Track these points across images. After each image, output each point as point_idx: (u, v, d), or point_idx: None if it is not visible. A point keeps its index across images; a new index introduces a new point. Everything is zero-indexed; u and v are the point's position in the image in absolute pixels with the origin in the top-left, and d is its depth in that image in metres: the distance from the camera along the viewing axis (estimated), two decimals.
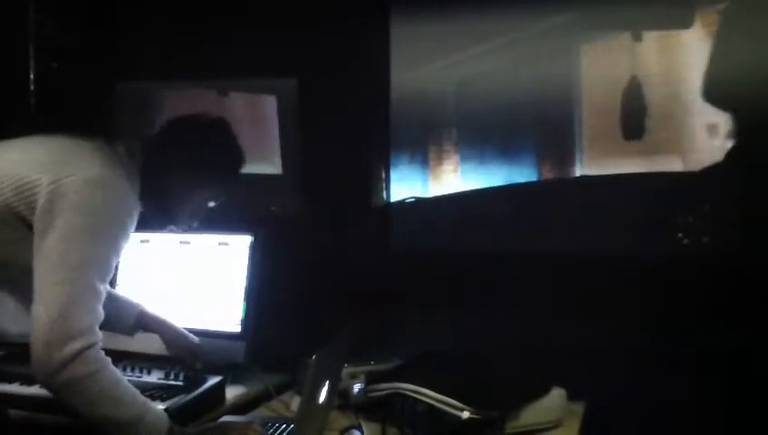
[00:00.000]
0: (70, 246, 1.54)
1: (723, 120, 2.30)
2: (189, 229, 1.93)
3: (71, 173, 1.59)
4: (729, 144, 2.30)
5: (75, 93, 2.73)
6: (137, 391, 1.60)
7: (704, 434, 2.23)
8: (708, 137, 2.32)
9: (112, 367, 1.56)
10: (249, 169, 2.70)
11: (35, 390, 1.80)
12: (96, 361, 1.52)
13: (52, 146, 1.71)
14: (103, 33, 2.77)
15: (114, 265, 1.64)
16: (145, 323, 2.12)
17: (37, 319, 1.50)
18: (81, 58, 2.77)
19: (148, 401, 1.64)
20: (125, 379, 1.59)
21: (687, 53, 2.33)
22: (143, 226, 1.75)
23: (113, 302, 2.11)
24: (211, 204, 1.89)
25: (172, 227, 1.89)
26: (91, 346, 1.51)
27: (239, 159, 1.90)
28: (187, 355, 2.09)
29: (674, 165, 2.36)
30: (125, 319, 2.10)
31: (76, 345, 1.49)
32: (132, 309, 2.12)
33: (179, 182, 1.80)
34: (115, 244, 1.62)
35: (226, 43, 2.65)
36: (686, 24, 2.32)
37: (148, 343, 2.21)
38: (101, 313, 1.58)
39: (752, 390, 2.20)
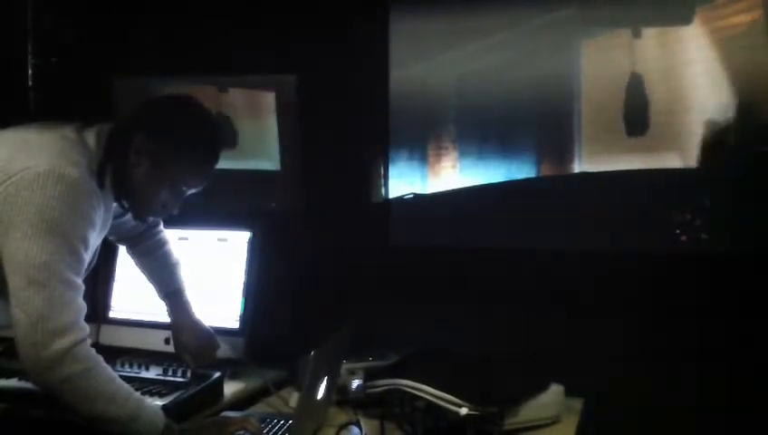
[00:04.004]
0: (33, 244, 1.50)
1: (721, 117, 2.29)
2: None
3: (23, 168, 1.54)
4: (728, 140, 2.30)
5: (74, 88, 2.72)
6: (131, 389, 1.59)
7: (701, 431, 2.23)
8: (706, 133, 2.32)
9: (104, 364, 1.55)
10: (248, 165, 2.73)
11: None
12: (87, 358, 1.51)
13: (14, 140, 1.65)
14: (102, 27, 2.77)
15: (84, 256, 1.59)
16: (171, 302, 2.12)
17: (18, 322, 1.49)
18: (79, 53, 2.76)
19: (143, 397, 1.63)
20: (118, 376, 1.58)
21: (687, 49, 2.33)
22: None
23: (158, 265, 2.13)
24: (190, 191, 1.77)
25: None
26: (79, 343, 1.50)
27: (210, 140, 1.77)
28: (185, 352, 2.09)
29: (673, 161, 2.35)
30: (157, 287, 2.12)
31: (64, 343, 1.47)
32: (168, 285, 2.12)
33: (145, 167, 1.70)
34: (80, 235, 1.57)
35: (226, 39, 2.65)
36: (685, 20, 2.32)
37: (146, 339, 2.22)
38: (82, 305, 1.55)
39: (750, 386, 2.20)
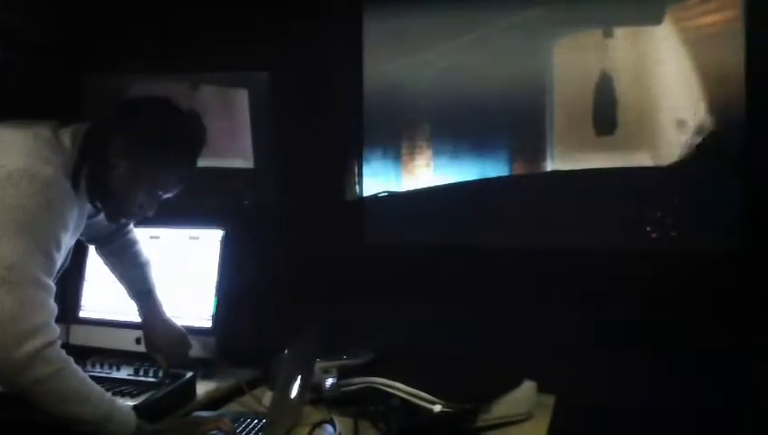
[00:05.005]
0: (4, 244, 1.47)
1: (691, 116, 2.33)
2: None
3: None
4: (697, 139, 2.33)
5: (43, 86, 2.68)
6: (103, 390, 1.58)
7: (672, 427, 2.26)
8: (677, 132, 2.35)
9: (75, 366, 1.53)
10: (221, 162, 2.71)
11: None
12: (57, 360, 1.49)
13: None
14: (72, 24, 2.73)
15: (57, 257, 1.57)
16: (141, 303, 2.10)
17: None
18: (48, 50, 2.72)
19: (114, 398, 1.62)
20: (89, 377, 1.56)
21: (658, 49, 2.36)
22: None
23: (129, 265, 2.11)
24: (167, 195, 1.77)
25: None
26: (49, 344, 1.47)
27: (190, 143, 1.76)
28: (156, 351, 2.07)
29: (643, 160, 2.38)
30: (127, 287, 2.11)
31: (35, 344, 1.45)
32: (139, 285, 2.11)
33: (123, 169, 1.68)
34: (53, 236, 1.54)
35: (198, 37, 2.63)
36: (656, 19, 2.34)
37: (117, 339, 2.19)
38: (53, 306, 1.53)
39: (717, 383, 2.23)
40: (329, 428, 1.79)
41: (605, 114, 2.40)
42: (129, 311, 2.16)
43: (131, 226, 2.12)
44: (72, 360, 1.53)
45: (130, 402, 1.78)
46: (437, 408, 1.74)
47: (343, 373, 2.01)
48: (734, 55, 2.26)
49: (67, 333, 2.27)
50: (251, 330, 2.37)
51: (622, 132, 2.40)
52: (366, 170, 2.65)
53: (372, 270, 2.52)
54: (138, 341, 2.17)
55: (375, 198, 2.63)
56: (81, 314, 2.35)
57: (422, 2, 2.56)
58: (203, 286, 2.26)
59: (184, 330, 2.12)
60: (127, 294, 2.13)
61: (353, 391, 1.93)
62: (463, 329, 2.37)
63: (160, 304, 2.11)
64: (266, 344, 2.12)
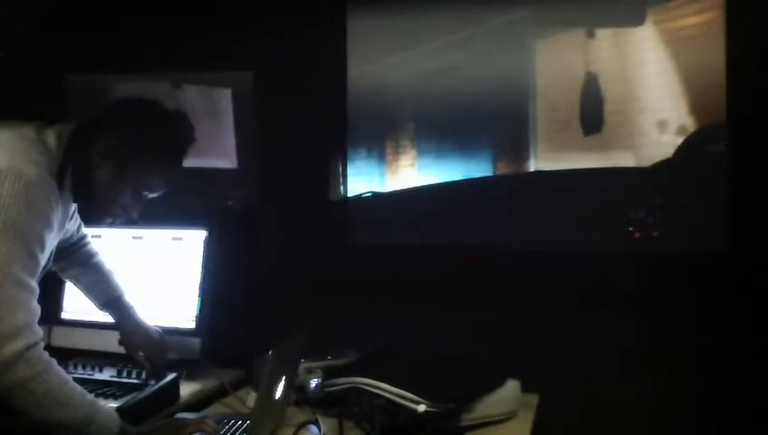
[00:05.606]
0: None
1: (673, 117, 2.34)
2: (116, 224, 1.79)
3: None
4: (679, 140, 2.35)
5: (24, 85, 2.66)
6: (85, 392, 1.57)
7: (652, 426, 2.27)
8: (659, 133, 2.37)
9: (58, 367, 1.52)
10: (204, 163, 2.69)
11: None
12: (40, 362, 1.48)
13: None
14: (54, 23, 2.71)
15: (41, 258, 1.56)
16: (113, 310, 2.08)
17: None
18: (31, 48, 2.70)
19: (97, 400, 1.61)
20: (72, 379, 1.55)
21: (639, 50, 2.37)
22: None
23: (94, 274, 2.09)
24: (151, 195, 1.76)
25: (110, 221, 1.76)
26: (32, 346, 1.47)
27: (176, 145, 1.76)
28: (137, 352, 2.06)
29: (626, 160, 2.40)
30: (95, 297, 2.08)
31: (17, 346, 1.44)
32: (108, 292, 2.08)
33: (108, 170, 1.68)
34: (36, 236, 1.54)
35: (181, 36, 2.61)
36: (637, 20, 2.36)
37: (100, 341, 2.18)
38: (37, 308, 1.52)
39: (702, 381, 2.26)
40: (313, 428, 1.79)
41: (592, 113, 2.41)
42: None
43: (88, 238, 2.10)
44: (54, 362, 1.53)
45: (113, 404, 1.78)
46: (422, 408, 1.75)
47: (328, 374, 2.01)
48: (715, 56, 2.28)
49: (49, 334, 2.26)
50: (235, 330, 2.37)
51: (604, 133, 2.41)
52: (350, 170, 2.65)
53: (357, 271, 2.52)
54: (120, 342, 2.16)
55: (359, 198, 2.63)
56: (64, 316, 2.33)
57: (406, 2, 2.56)
58: (186, 287, 2.25)
59: (161, 331, 2.11)
60: (93, 302, 2.10)
61: (338, 392, 1.93)
62: (447, 329, 2.38)
63: (133, 308, 2.10)
64: (250, 345, 2.11)
